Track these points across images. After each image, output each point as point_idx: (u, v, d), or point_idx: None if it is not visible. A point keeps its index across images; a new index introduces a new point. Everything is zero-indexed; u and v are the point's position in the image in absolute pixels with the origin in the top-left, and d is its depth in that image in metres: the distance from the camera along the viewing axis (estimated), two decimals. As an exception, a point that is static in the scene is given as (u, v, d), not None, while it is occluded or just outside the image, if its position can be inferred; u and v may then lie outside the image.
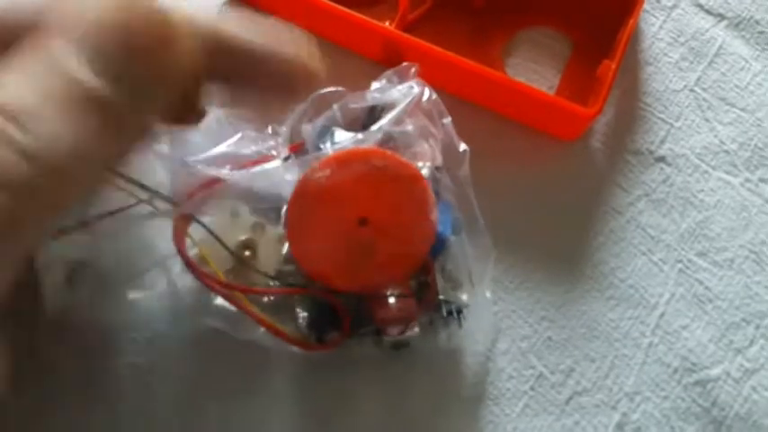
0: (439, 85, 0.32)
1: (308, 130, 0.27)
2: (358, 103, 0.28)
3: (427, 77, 0.31)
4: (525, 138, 0.33)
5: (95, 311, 0.26)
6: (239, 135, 0.26)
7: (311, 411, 0.28)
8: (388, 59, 0.33)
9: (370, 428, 0.28)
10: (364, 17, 0.31)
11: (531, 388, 0.29)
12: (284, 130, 0.28)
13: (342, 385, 0.28)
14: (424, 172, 0.27)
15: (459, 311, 0.27)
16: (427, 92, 0.28)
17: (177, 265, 0.25)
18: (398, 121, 0.27)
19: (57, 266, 0.25)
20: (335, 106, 0.28)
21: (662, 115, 0.34)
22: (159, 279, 0.26)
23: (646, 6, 0.35)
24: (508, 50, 0.35)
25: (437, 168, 0.28)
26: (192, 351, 0.29)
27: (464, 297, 0.27)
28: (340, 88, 0.28)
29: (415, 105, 0.28)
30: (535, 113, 0.32)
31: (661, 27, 0.36)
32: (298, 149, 0.28)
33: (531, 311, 0.30)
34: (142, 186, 0.23)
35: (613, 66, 0.31)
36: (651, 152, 0.33)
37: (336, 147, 0.26)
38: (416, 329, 0.27)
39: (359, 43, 0.33)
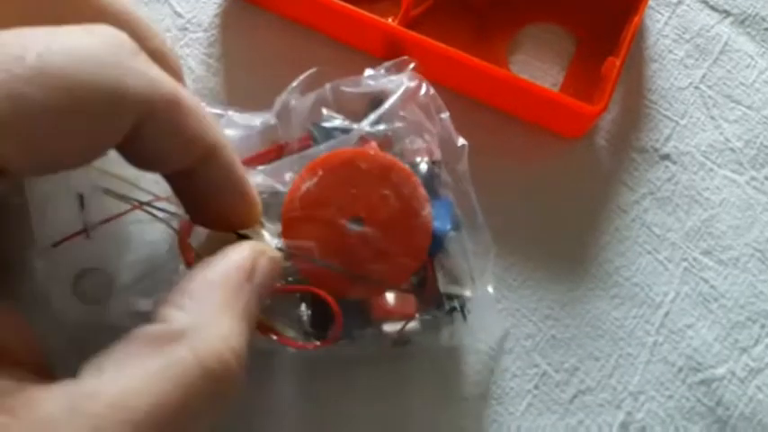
0: (442, 81, 0.32)
1: (296, 105, 0.28)
2: (350, 87, 0.28)
3: (430, 74, 0.31)
4: (529, 135, 0.33)
5: (100, 316, 0.26)
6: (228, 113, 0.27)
7: (312, 411, 0.28)
8: (391, 56, 0.33)
9: (372, 428, 0.28)
10: (367, 13, 0.31)
11: (535, 387, 0.29)
12: (275, 103, 0.28)
13: (343, 385, 0.28)
14: (422, 167, 0.27)
15: (462, 306, 0.27)
16: (424, 86, 0.28)
17: (180, 268, 0.25)
18: (390, 116, 0.27)
19: (62, 273, 0.25)
20: (328, 85, 0.28)
21: (667, 113, 0.34)
22: (161, 283, 0.26)
23: (651, 3, 0.35)
24: (512, 47, 0.35)
25: (435, 163, 0.27)
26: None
27: (466, 293, 0.27)
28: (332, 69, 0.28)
29: (410, 99, 0.28)
30: (539, 111, 0.32)
31: (666, 24, 0.35)
32: (306, 143, 0.28)
33: (534, 310, 0.30)
34: (141, 190, 0.23)
35: (618, 63, 0.31)
36: (656, 150, 0.33)
37: (322, 149, 0.26)
38: (417, 325, 0.26)
39: (361, 39, 0.33)
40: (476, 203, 0.28)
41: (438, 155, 0.28)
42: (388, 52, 0.32)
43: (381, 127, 0.27)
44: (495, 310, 0.29)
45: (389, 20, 0.32)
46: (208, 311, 0.19)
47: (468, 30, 0.34)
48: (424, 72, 0.32)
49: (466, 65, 0.30)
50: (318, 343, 0.25)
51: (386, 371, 0.29)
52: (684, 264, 0.31)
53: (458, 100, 0.32)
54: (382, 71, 0.28)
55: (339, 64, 0.33)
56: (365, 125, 0.27)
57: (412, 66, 0.28)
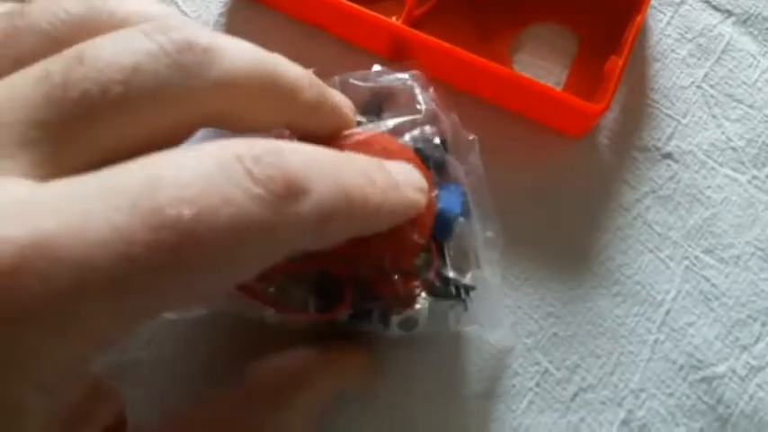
0: (446, 79, 0.32)
1: None
2: (359, 80, 0.28)
3: (434, 72, 0.31)
4: (532, 134, 0.33)
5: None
6: None
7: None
8: (395, 54, 0.33)
9: (371, 426, 0.28)
10: (371, 12, 0.31)
11: (537, 384, 0.29)
12: None
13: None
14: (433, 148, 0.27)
15: (468, 293, 0.27)
16: (431, 89, 0.28)
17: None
18: (399, 107, 0.27)
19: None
20: (336, 78, 0.28)
21: (669, 111, 0.34)
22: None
23: (653, 2, 0.35)
24: (515, 46, 0.35)
25: (438, 146, 0.27)
26: (196, 337, 0.29)
27: (472, 280, 0.27)
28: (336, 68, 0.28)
29: (423, 90, 0.28)
30: (542, 109, 0.32)
31: (668, 23, 0.36)
32: None
33: (536, 308, 0.30)
34: None
35: (621, 62, 0.31)
36: (658, 149, 0.33)
37: None
38: (424, 306, 0.26)
39: (366, 39, 0.33)
40: (487, 193, 0.28)
41: (449, 137, 0.28)
42: (392, 51, 0.33)
43: (398, 119, 0.27)
44: (502, 297, 0.29)
45: (393, 19, 0.32)
46: None
47: (472, 29, 0.35)
48: (427, 71, 0.32)
49: (469, 64, 0.31)
50: (326, 313, 0.25)
51: (386, 368, 0.29)
52: (686, 262, 0.31)
53: (460, 98, 0.32)
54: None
55: (343, 63, 0.33)
56: (381, 119, 0.27)
57: (416, 72, 0.28)
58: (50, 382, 0.15)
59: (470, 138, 0.28)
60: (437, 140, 0.27)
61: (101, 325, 0.14)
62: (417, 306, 0.26)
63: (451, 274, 0.26)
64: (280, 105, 0.21)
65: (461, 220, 0.26)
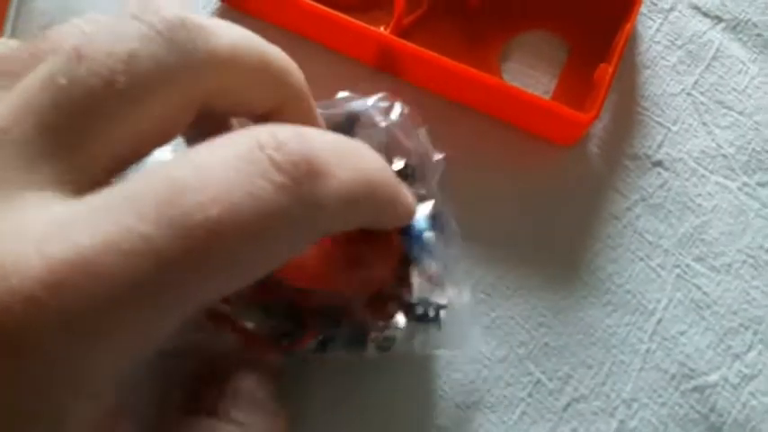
0: (434, 88, 0.32)
1: None
2: (324, 109, 0.28)
3: (422, 81, 0.31)
4: (522, 143, 0.33)
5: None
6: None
7: (294, 426, 0.28)
8: (383, 64, 0.33)
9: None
10: (359, 22, 0.31)
11: (529, 395, 0.29)
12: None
13: (327, 396, 0.28)
14: (397, 166, 0.27)
15: (437, 313, 0.26)
16: (399, 106, 0.28)
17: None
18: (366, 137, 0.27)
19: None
20: None
21: (659, 119, 0.34)
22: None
23: (642, 9, 0.35)
24: (504, 55, 0.35)
25: (407, 167, 0.27)
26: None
27: (442, 300, 0.26)
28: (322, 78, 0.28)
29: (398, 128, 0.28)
30: (531, 118, 0.32)
31: (658, 30, 0.36)
32: None
33: (528, 318, 0.30)
34: None
35: (610, 69, 0.31)
36: (648, 156, 0.33)
37: None
38: (399, 327, 0.26)
39: (354, 48, 0.33)
40: (451, 214, 0.27)
41: (414, 160, 0.27)
42: (381, 61, 0.33)
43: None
44: (470, 316, 0.29)
45: (381, 28, 0.32)
46: None
47: (461, 37, 0.34)
48: (416, 81, 0.31)
49: (458, 73, 0.30)
50: (293, 344, 0.25)
51: (375, 379, 0.29)
52: (677, 270, 0.31)
53: (450, 107, 0.32)
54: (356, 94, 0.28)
55: (332, 72, 0.33)
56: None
57: (385, 94, 0.28)
58: (95, 389, 0.15)
59: (437, 158, 0.28)
60: (400, 165, 0.27)
61: (138, 330, 0.15)
62: (392, 327, 0.26)
63: (420, 296, 0.26)
64: (273, 83, 0.21)
65: (429, 236, 0.26)
